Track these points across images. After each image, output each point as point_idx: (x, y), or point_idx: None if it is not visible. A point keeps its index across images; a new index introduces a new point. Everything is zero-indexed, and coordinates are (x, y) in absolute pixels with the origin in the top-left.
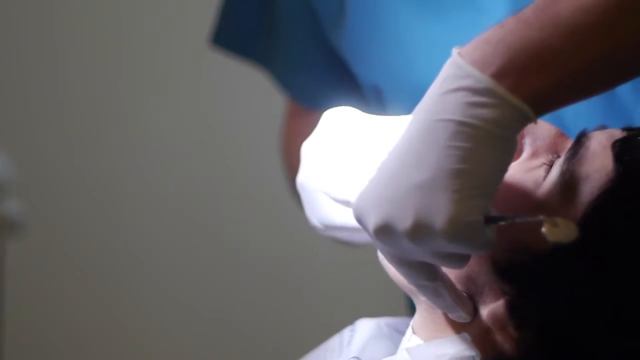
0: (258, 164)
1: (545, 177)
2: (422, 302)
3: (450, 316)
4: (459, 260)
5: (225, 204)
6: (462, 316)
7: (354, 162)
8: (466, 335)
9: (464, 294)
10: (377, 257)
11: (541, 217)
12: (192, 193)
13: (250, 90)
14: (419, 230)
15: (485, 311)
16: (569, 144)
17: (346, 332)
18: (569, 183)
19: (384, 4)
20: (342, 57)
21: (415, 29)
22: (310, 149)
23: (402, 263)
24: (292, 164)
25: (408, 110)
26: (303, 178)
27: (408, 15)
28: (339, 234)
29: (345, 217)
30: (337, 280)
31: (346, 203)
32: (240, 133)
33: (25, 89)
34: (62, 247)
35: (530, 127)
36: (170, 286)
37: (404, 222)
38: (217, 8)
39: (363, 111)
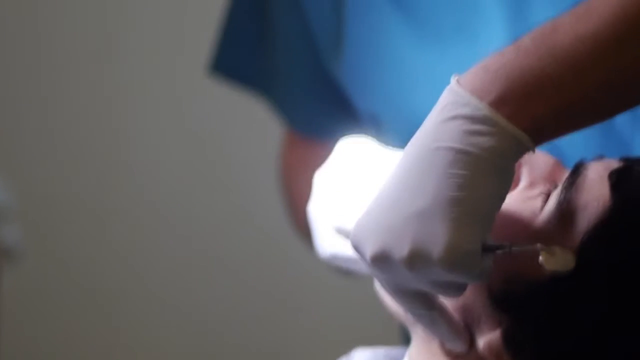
0: (254, 184)
1: (542, 207)
2: (418, 332)
3: (447, 346)
4: (455, 289)
5: (226, 234)
6: (458, 346)
7: (360, 194)
8: None
9: (461, 323)
10: (373, 284)
11: (538, 245)
12: (192, 218)
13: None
14: (416, 259)
15: (482, 341)
16: (566, 173)
17: None
18: (566, 212)
19: (382, 33)
20: (340, 85)
21: (414, 59)
22: (321, 179)
23: (399, 291)
24: (291, 196)
25: (406, 139)
26: (312, 207)
27: (407, 45)
28: (344, 264)
29: (347, 247)
30: (333, 306)
31: (347, 233)
32: (237, 154)
33: (23, 115)
34: (60, 273)
35: (527, 157)
36: (169, 310)
37: (401, 250)
38: (214, 36)
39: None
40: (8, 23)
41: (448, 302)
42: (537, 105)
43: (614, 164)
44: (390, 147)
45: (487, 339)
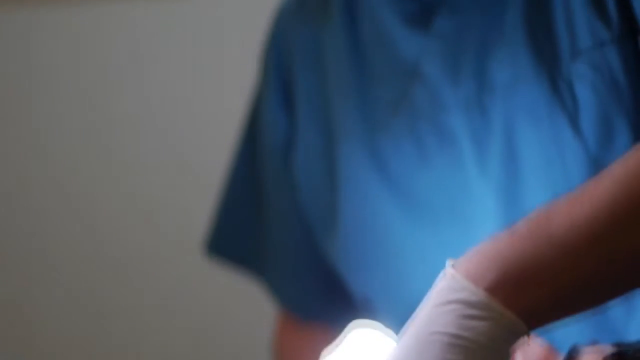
0: None
1: None
2: None
3: None
4: None
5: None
6: None
7: None
8: None
9: None
10: None
11: None
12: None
13: None
14: None
15: None
16: (560, 359)
17: None
18: None
19: (377, 215)
20: (334, 267)
21: (407, 240)
22: None
23: None
24: None
25: (401, 322)
26: None
27: (400, 227)
28: None
29: None
30: None
31: None
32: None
33: None
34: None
35: (521, 342)
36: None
37: None
38: (209, 218)
39: (385, 329)
40: None
41: None
42: (533, 291)
43: (608, 349)
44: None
45: None
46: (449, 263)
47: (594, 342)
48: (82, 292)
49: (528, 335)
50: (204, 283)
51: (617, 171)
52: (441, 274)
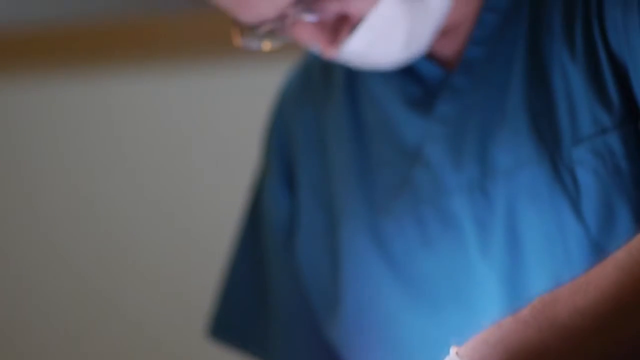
0: None
1: None
2: None
3: None
4: None
5: None
6: None
7: None
8: None
9: None
10: None
11: None
12: None
13: None
14: None
15: None
16: None
17: None
18: None
19: (379, 297)
20: (336, 349)
21: (410, 324)
22: None
23: None
24: None
25: None
26: None
27: (403, 310)
28: None
29: None
30: None
31: None
32: None
33: None
34: None
35: None
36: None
37: None
38: (212, 302)
39: None
40: None
41: None
42: None
43: None
44: None
45: None
46: (453, 350)
47: None
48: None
49: None
50: None
51: (621, 258)
52: None
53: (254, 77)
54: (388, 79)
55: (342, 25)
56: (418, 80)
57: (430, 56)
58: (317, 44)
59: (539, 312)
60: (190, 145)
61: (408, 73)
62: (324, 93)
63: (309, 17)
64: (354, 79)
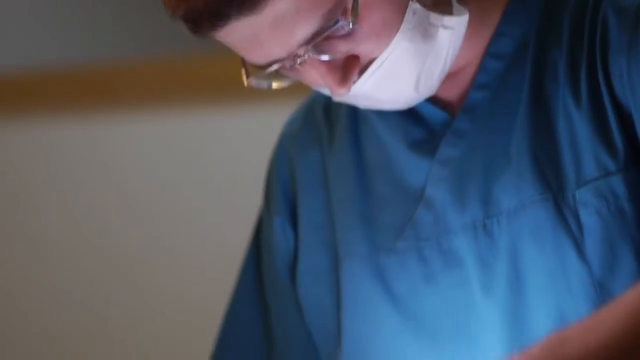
0: None
1: None
2: None
3: None
4: None
5: None
6: None
7: None
8: None
9: None
10: None
11: None
12: None
13: None
14: None
15: None
16: None
17: None
18: None
19: (380, 334)
20: None
21: (411, 358)
22: None
23: None
24: None
25: None
26: None
27: (405, 347)
28: None
29: None
30: None
31: None
32: None
33: None
34: None
35: None
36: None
37: None
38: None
39: None
40: None
41: None
42: None
43: None
44: None
45: None
46: None
47: None
48: None
49: None
50: None
51: (631, 300)
52: None
53: (256, 118)
54: (391, 121)
55: (351, 66)
56: (421, 123)
57: (433, 99)
58: (326, 84)
59: (550, 350)
60: (193, 185)
61: (411, 115)
62: (326, 133)
63: (320, 57)
64: (357, 120)
